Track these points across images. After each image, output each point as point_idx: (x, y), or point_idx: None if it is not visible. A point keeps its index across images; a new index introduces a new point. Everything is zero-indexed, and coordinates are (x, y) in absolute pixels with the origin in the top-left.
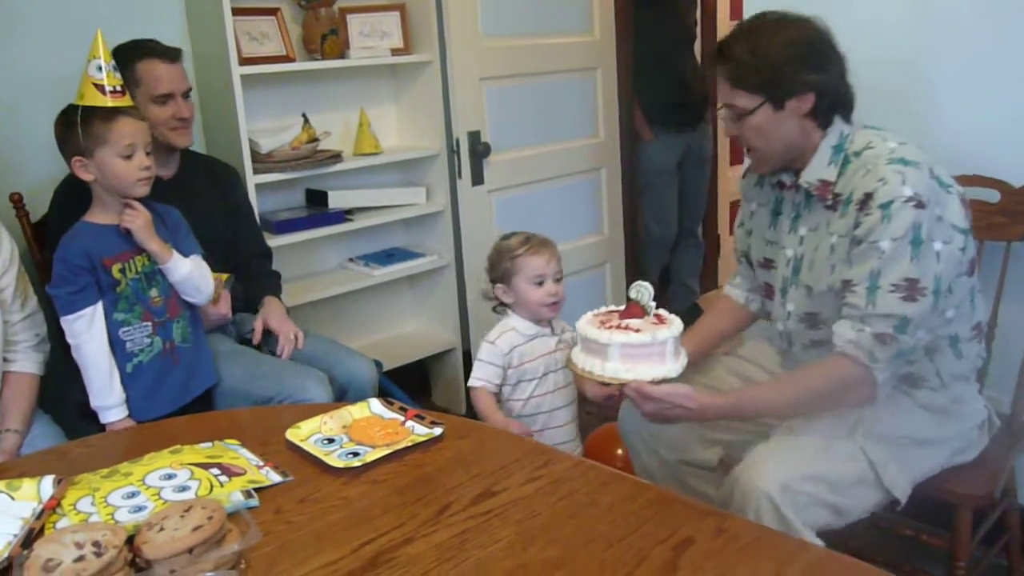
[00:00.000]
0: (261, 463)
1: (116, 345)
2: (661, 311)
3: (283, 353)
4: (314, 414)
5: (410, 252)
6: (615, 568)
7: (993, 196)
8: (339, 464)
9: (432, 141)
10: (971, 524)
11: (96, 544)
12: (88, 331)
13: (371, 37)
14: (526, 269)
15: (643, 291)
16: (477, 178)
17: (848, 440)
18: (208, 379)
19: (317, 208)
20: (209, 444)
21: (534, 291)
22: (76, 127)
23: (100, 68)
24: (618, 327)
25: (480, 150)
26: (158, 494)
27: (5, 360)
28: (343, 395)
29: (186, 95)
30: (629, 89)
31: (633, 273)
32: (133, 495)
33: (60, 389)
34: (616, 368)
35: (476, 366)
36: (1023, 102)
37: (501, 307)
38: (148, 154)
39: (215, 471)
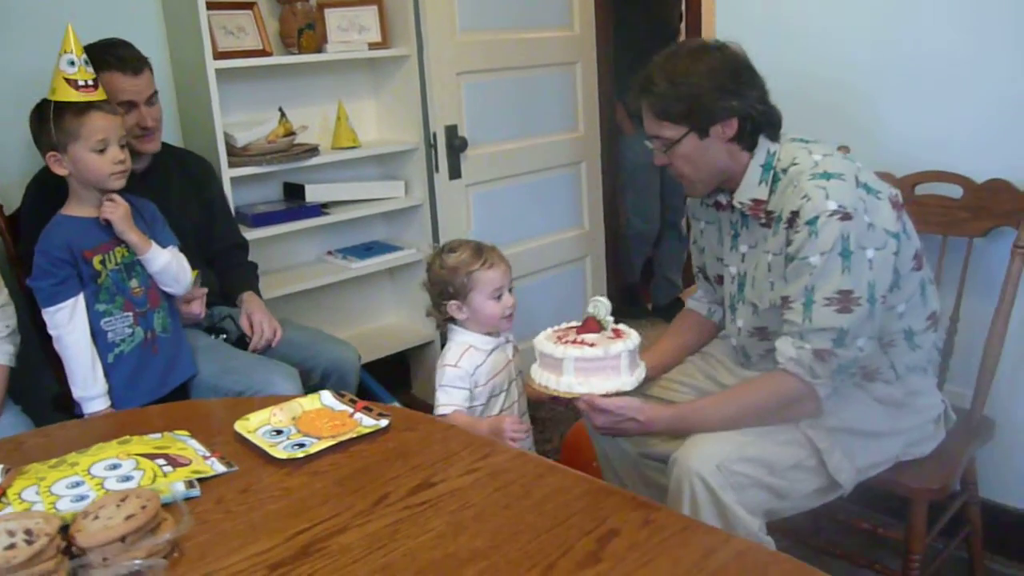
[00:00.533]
0: (208, 454)
1: (98, 336)
2: (620, 326)
3: (256, 347)
4: (268, 406)
5: (389, 245)
6: (538, 559)
7: (956, 192)
8: (282, 455)
9: (410, 135)
10: (926, 517)
11: (28, 532)
12: (70, 322)
13: (349, 31)
14: (484, 284)
15: (600, 306)
16: (454, 172)
17: (791, 427)
18: (188, 370)
19: (294, 202)
20: (158, 435)
21: (494, 305)
22: (49, 122)
23: (72, 63)
24: (574, 342)
25: (457, 144)
26: (101, 484)
27: None
28: (326, 381)
29: (150, 101)
30: (610, 83)
31: (614, 267)
32: (77, 484)
33: (33, 381)
34: (570, 382)
35: (441, 393)
36: (987, 98)
37: (447, 323)
38: (123, 147)
39: (160, 461)
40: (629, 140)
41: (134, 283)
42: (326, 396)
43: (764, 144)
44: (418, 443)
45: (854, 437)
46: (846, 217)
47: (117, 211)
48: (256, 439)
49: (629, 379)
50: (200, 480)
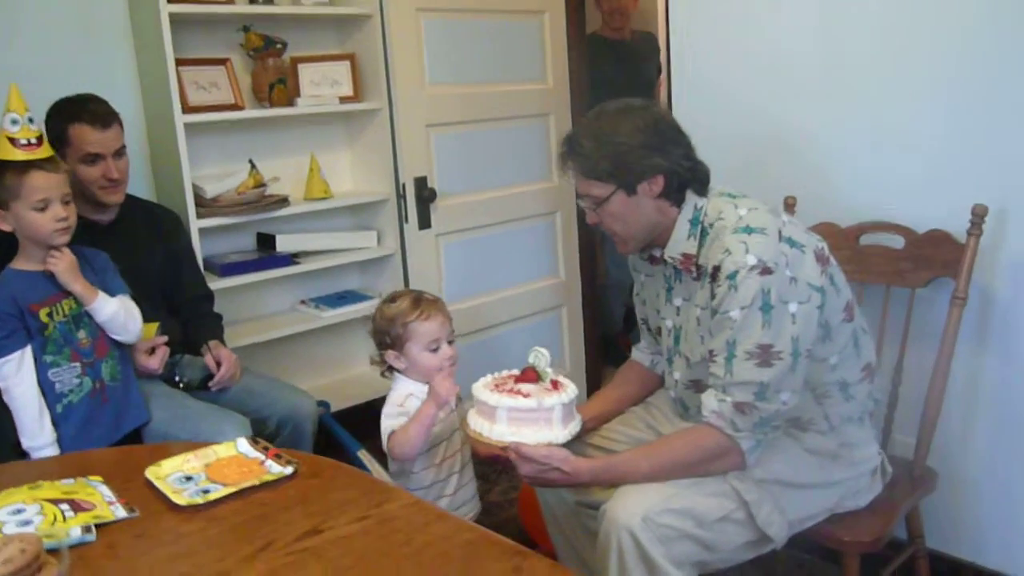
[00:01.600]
0: (113, 499)
1: (46, 387)
2: (560, 378)
3: (220, 381)
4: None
5: (362, 295)
6: None
7: (899, 242)
8: (183, 501)
9: (383, 186)
10: (858, 570)
11: None
12: (17, 374)
13: (321, 86)
14: (420, 335)
15: (540, 357)
16: (424, 222)
17: (720, 479)
18: (139, 416)
19: (266, 251)
20: (72, 480)
21: (430, 358)
22: None
23: (15, 121)
24: (510, 391)
25: (426, 195)
26: (1, 528)
27: None
28: (282, 429)
29: (118, 154)
30: None
31: (594, 316)
32: None
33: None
34: (502, 431)
35: (384, 419)
36: (928, 150)
37: (390, 371)
38: (68, 203)
39: (64, 506)
40: None
41: (82, 334)
42: (242, 443)
43: (692, 199)
44: (318, 490)
45: (785, 489)
46: (766, 271)
47: (60, 263)
48: (162, 485)
49: (561, 432)
50: (100, 525)
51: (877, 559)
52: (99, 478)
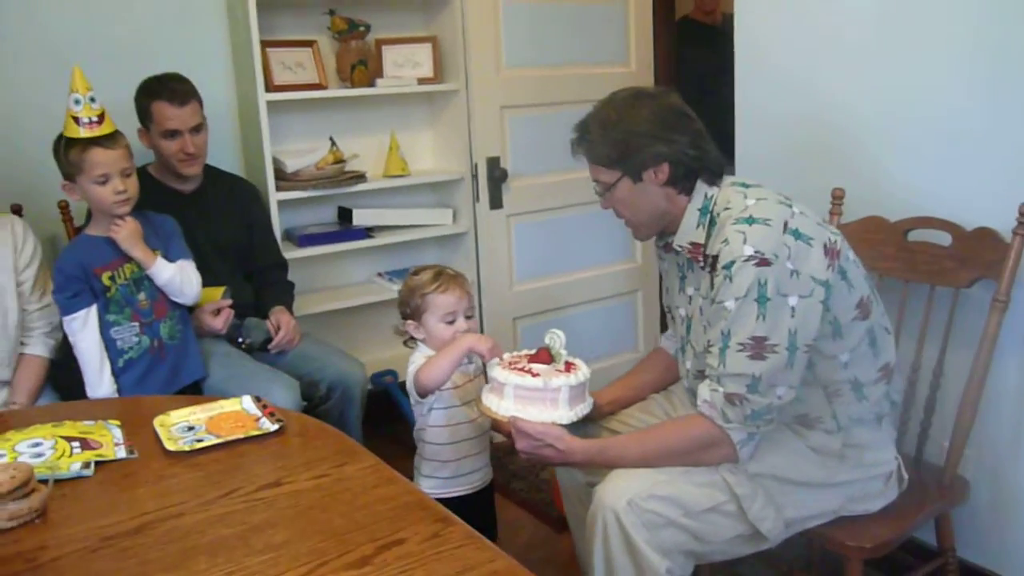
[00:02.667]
0: (121, 441)
1: (109, 343)
2: (575, 360)
3: (279, 345)
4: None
5: None
6: (316, 557)
7: (946, 239)
8: (173, 448)
9: (459, 165)
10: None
11: None
12: (82, 330)
13: (404, 67)
14: (436, 307)
15: (555, 338)
16: (495, 202)
17: (711, 470)
18: (195, 372)
19: (344, 225)
20: (92, 422)
21: (445, 329)
22: (59, 156)
23: (77, 101)
24: (521, 370)
25: (497, 175)
26: (16, 457)
27: (22, 343)
28: (332, 393)
29: (196, 130)
30: None
31: None
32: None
33: (74, 375)
34: (509, 407)
35: (411, 364)
36: (981, 145)
37: (411, 341)
38: (129, 176)
39: (76, 444)
40: None
41: (141, 296)
42: (246, 400)
43: (702, 188)
44: (295, 447)
45: (782, 485)
46: (763, 263)
47: (121, 231)
48: (163, 432)
49: (567, 413)
50: (100, 463)
51: (902, 566)
52: (117, 422)
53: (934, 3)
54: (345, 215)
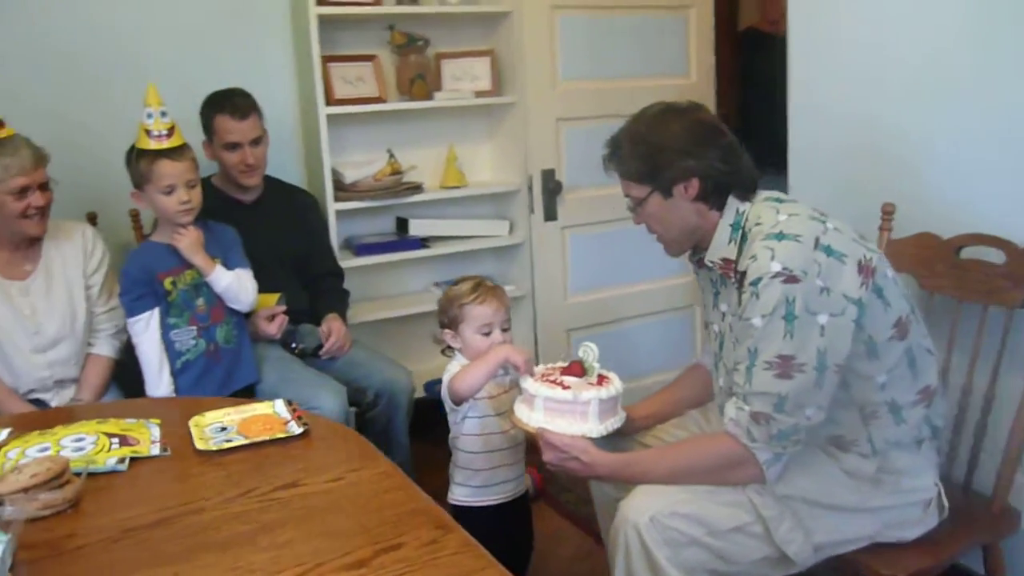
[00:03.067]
0: (157, 439)
1: (168, 345)
2: (609, 374)
3: (329, 351)
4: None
5: (493, 280)
6: (315, 558)
7: (1000, 257)
8: (201, 447)
9: (516, 177)
10: None
11: None
12: (144, 332)
13: (462, 80)
14: (473, 318)
15: (588, 351)
16: (550, 214)
17: (738, 490)
18: (249, 377)
19: (401, 235)
20: (134, 420)
21: (481, 340)
22: (130, 166)
23: (150, 115)
24: (553, 382)
25: (552, 187)
26: (59, 451)
27: (89, 344)
28: (379, 399)
29: (255, 143)
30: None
31: None
32: (44, 449)
33: (137, 374)
34: (539, 419)
35: (446, 374)
36: None
37: (449, 351)
38: (193, 187)
39: (115, 440)
40: None
41: (200, 301)
42: (279, 404)
43: (733, 203)
44: (317, 451)
45: (812, 508)
46: (791, 280)
47: (183, 240)
48: (196, 431)
49: (596, 426)
50: (135, 459)
51: None
52: (157, 421)
53: (987, 22)
54: (403, 225)
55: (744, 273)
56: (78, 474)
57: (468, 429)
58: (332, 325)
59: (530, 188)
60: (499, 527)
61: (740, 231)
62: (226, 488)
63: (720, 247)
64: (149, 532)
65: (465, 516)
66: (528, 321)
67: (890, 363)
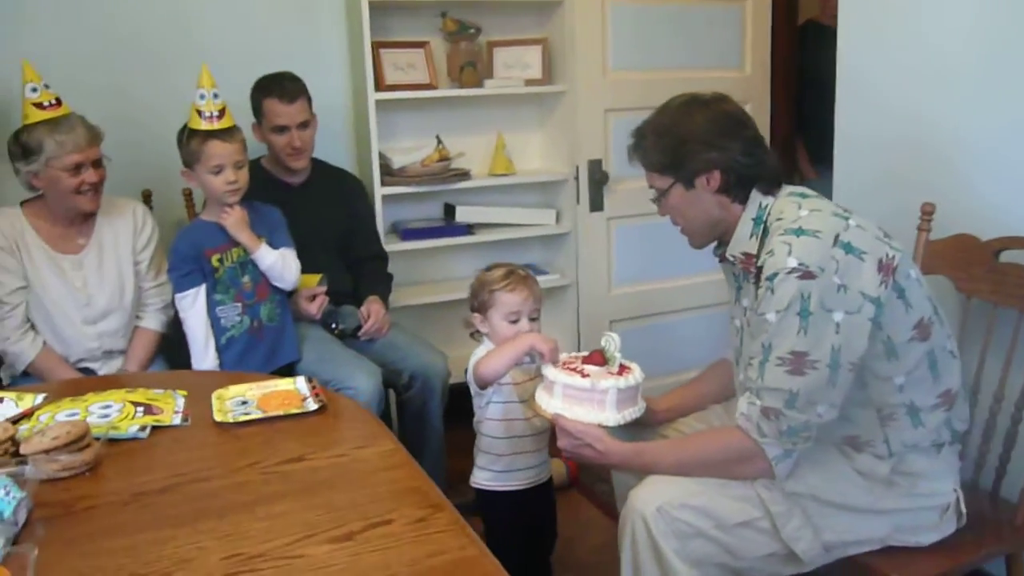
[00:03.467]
0: (180, 410)
1: (214, 320)
2: (631, 364)
3: (367, 332)
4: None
5: (540, 269)
6: (307, 528)
7: None
8: (219, 419)
9: (565, 166)
10: None
11: None
12: (191, 308)
13: (514, 68)
14: (502, 305)
15: (610, 341)
16: (596, 204)
17: (747, 484)
18: (290, 355)
19: (449, 221)
20: (161, 391)
21: (508, 328)
22: (181, 145)
23: (202, 96)
24: (573, 370)
25: (598, 178)
26: (87, 416)
27: (137, 317)
28: (414, 382)
29: (303, 126)
30: (789, 125)
31: None
32: (73, 415)
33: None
34: (557, 406)
35: (473, 357)
36: None
37: (478, 334)
38: (241, 168)
39: (140, 409)
40: (810, 185)
41: (246, 279)
42: (300, 381)
43: (756, 197)
44: (327, 427)
45: (822, 507)
46: (807, 276)
47: (230, 218)
48: (217, 404)
49: (614, 415)
50: (157, 427)
51: None
52: (184, 392)
53: None
54: (450, 212)
55: (760, 268)
56: (98, 439)
57: (492, 414)
58: (372, 307)
59: (576, 178)
60: (520, 512)
61: (762, 225)
62: (235, 459)
63: (742, 241)
64: (157, 497)
65: (487, 500)
66: (571, 311)
67: (909, 365)
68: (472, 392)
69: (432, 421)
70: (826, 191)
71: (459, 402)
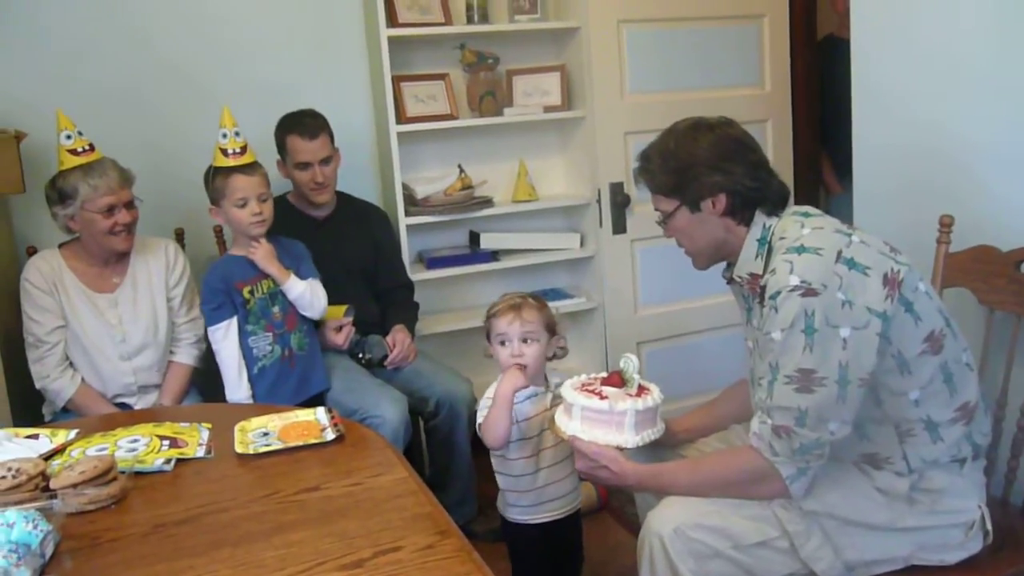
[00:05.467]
0: (204, 442)
1: (246, 351)
2: (649, 385)
3: (393, 362)
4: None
5: (565, 293)
6: (319, 557)
7: None
8: (240, 450)
9: (587, 191)
10: None
11: (17, 470)
12: (224, 340)
13: (533, 95)
14: (493, 329)
15: (628, 363)
16: (619, 227)
17: (763, 504)
18: (321, 384)
19: (474, 248)
20: (187, 424)
21: (500, 350)
22: (208, 183)
23: (224, 135)
24: (592, 391)
25: (620, 200)
26: (115, 451)
27: (171, 352)
28: (440, 409)
29: (325, 162)
30: (812, 140)
31: None
32: (102, 449)
33: (217, 381)
34: (576, 428)
35: (480, 411)
36: None
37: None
38: (265, 201)
39: (166, 442)
40: (836, 200)
41: (276, 309)
42: (319, 412)
43: (760, 218)
44: (344, 456)
45: (843, 526)
46: (810, 293)
47: (258, 252)
48: (239, 435)
49: (632, 437)
50: (182, 460)
51: None
52: (209, 425)
53: None
54: (475, 239)
55: (764, 288)
56: (124, 472)
57: (513, 454)
58: (398, 336)
59: (599, 201)
60: (547, 543)
61: (767, 246)
62: (254, 489)
63: (747, 262)
64: (176, 528)
65: (515, 530)
66: (598, 334)
67: (924, 379)
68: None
69: (460, 447)
70: (851, 205)
71: None
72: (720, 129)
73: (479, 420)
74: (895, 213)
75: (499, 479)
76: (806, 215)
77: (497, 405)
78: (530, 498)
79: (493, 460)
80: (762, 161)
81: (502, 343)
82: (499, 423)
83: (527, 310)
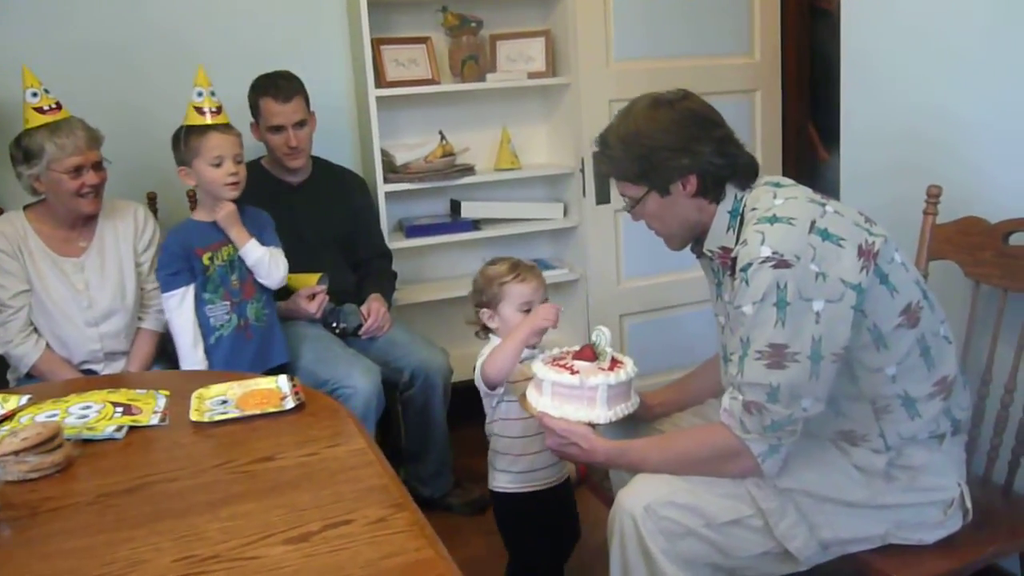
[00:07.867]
0: (160, 410)
1: (203, 320)
2: (623, 358)
3: (367, 331)
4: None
5: (546, 264)
6: (266, 529)
7: None
8: (195, 418)
9: (570, 159)
10: None
11: None
12: (179, 307)
13: (516, 61)
14: (513, 296)
15: (601, 336)
16: (602, 197)
17: (737, 482)
18: (280, 356)
19: (455, 217)
20: (144, 391)
21: (520, 318)
22: (179, 143)
23: (200, 94)
24: (563, 366)
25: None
26: (65, 417)
27: (139, 319)
28: (415, 380)
29: (299, 125)
30: (802, 109)
31: None
32: (52, 416)
33: None
34: (547, 404)
35: (480, 358)
36: None
37: (484, 332)
38: (240, 162)
39: (120, 409)
40: (823, 167)
41: (234, 277)
42: (281, 379)
43: (732, 191)
44: (301, 426)
45: (817, 503)
46: (782, 264)
47: (222, 211)
48: (195, 403)
49: (604, 412)
50: (135, 427)
51: None
52: (167, 392)
53: None
54: (456, 208)
55: (735, 259)
56: (70, 439)
57: (505, 413)
58: (372, 305)
59: (583, 170)
60: (543, 514)
61: (739, 217)
62: (205, 459)
63: (719, 235)
64: (120, 498)
65: (507, 503)
66: (581, 305)
67: (900, 354)
68: (482, 394)
69: (435, 418)
70: (839, 171)
71: (465, 400)
72: (680, 104)
73: (480, 361)
74: (883, 186)
75: (495, 443)
76: (778, 185)
77: (513, 338)
78: (523, 463)
79: (492, 425)
80: (728, 135)
81: (526, 311)
82: (507, 355)
83: (541, 275)
